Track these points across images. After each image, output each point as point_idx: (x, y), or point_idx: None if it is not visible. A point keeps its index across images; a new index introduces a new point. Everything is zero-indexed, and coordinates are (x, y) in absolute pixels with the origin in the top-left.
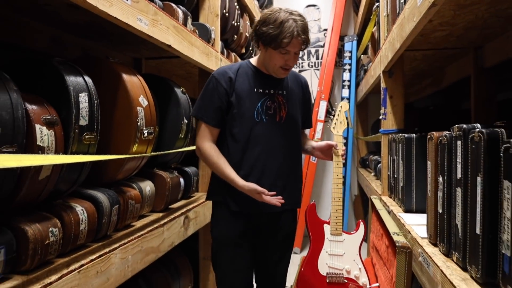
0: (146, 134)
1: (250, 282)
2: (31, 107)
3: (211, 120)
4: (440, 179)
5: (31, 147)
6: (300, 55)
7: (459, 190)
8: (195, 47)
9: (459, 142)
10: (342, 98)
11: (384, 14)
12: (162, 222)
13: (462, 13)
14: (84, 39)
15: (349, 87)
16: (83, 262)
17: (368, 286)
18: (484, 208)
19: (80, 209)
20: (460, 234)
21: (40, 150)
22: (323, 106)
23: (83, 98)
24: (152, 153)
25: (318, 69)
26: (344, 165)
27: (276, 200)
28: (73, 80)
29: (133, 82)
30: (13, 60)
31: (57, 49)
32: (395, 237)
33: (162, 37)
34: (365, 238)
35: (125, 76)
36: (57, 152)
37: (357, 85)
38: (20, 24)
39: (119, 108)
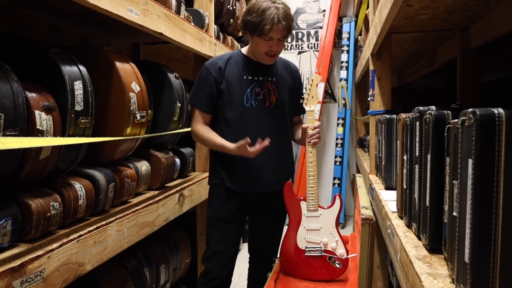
0: (138, 118)
1: (235, 258)
2: (31, 95)
3: (203, 107)
4: (405, 157)
5: (32, 131)
6: (300, 37)
7: (417, 167)
8: (188, 33)
9: (417, 123)
10: (341, 79)
11: None
12: (156, 199)
13: None
14: (83, 27)
15: (347, 68)
16: (81, 232)
17: (344, 256)
18: (432, 183)
19: (79, 186)
20: (417, 207)
21: (40, 133)
22: (321, 87)
23: (78, 85)
24: (145, 135)
25: (317, 50)
26: (342, 145)
27: (261, 144)
28: (68, 70)
29: (126, 69)
30: (13, 52)
31: (57, 38)
32: (362, 211)
33: (153, 26)
34: (341, 211)
35: (118, 64)
36: (55, 135)
37: (356, 65)
38: (21, 15)
39: (113, 93)
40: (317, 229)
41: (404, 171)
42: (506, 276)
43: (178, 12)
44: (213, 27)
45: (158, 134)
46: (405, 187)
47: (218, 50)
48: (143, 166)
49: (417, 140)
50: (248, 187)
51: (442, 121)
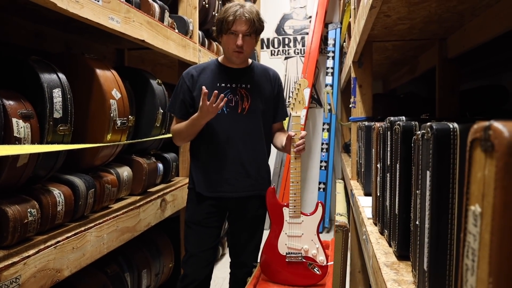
0: (119, 124)
1: (212, 262)
2: (8, 103)
3: (177, 113)
4: (379, 165)
5: (9, 138)
6: (287, 42)
7: (388, 175)
8: (171, 40)
9: (388, 133)
10: (326, 85)
11: (352, 7)
12: (138, 204)
13: (415, 9)
14: (67, 33)
15: (332, 74)
16: (59, 238)
17: (324, 263)
18: (400, 191)
19: (58, 192)
20: (388, 214)
21: (17, 141)
22: (306, 93)
23: (57, 93)
24: (126, 142)
25: (303, 56)
26: (327, 150)
27: (221, 101)
28: (47, 77)
29: (107, 76)
30: None
31: (41, 44)
32: (337, 217)
33: (135, 33)
34: (323, 218)
35: (98, 71)
36: (33, 142)
37: (341, 71)
38: (4, 21)
39: (93, 100)
40: (298, 235)
41: (378, 179)
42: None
43: (161, 19)
44: (197, 34)
45: (139, 140)
46: (378, 194)
47: (203, 56)
48: (125, 171)
49: (388, 149)
50: (217, 192)
51: (410, 132)
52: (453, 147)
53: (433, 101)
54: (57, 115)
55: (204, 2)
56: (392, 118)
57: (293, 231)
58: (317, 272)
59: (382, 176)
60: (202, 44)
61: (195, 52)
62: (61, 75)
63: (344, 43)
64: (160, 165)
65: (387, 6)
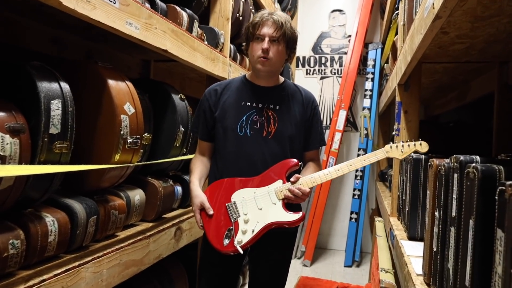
0: (130, 143)
1: None
2: None
3: (200, 134)
4: (437, 213)
5: None
6: (323, 61)
7: (452, 230)
8: (198, 52)
9: (455, 176)
10: (363, 108)
11: (401, 23)
12: (148, 234)
13: (481, 26)
14: (89, 41)
15: (370, 96)
16: (45, 277)
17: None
18: (475, 258)
19: (50, 220)
20: (451, 281)
21: (1, 159)
22: (342, 115)
23: (56, 105)
24: (137, 163)
25: (340, 77)
26: (362, 178)
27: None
28: (45, 86)
29: (120, 88)
30: None
31: (61, 51)
32: (381, 275)
33: (156, 42)
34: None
35: (110, 82)
36: (21, 161)
37: (380, 94)
38: (21, 25)
39: (102, 114)
40: None
41: (435, 229)
42: None
43: (190, 29)
44: (228, 47)
45: (153, 162)
46: (435, 249)
47: (233, 71)
48: (137, 195)
49: (454, 197)
50: None
51: (491, 180)
52: None
53: (485, 132)
54: (54, 130)
55: (238, 14)
56: (462, 157)
57: None
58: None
59: (443, 229)
60: (234, 59)
61: (225, 67)
62: (64, 85)
63: (386, 64)
64: (179, 188)
65: (446, 21)
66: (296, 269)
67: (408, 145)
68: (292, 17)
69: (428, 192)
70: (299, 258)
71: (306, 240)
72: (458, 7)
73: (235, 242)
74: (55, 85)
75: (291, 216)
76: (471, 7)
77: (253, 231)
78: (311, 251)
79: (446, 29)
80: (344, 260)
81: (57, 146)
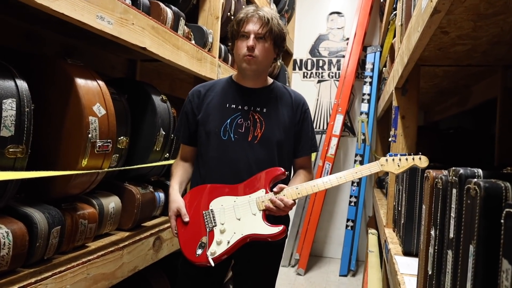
0: (100, 147)
1: None
2: None
3: (182, 138)
4: (432, 232)
5: None
6: (321, 64)
7: (450, 253)
8: (182, 51)
9: (454, 191)
10: (361, 113)
11: (399, 23)
12: (121, 244)
13: (484, 25)
14: (69, 38)
15: (368, 101)
16: None
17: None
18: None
19: (4, 232)
20: None
21: None
22: (339, 120)
23: (9, 105)
24: (107, 169)
25: (338, 80)
26: (359, 184)
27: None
28: None
29: (89, 87)
30: None
31: (39, 48)
32: None
33: (133, 39)
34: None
35: (78, 81)
36: None
37: (378, 99)
38: None
39: (69, 116)
40: None
41: (431, 250)
42: None
43: (175, 27)
44: (217, 47)
45: (125, 168)
46: (430, 272)
47: (223, 72)
48: (111, 202)
49: (452, 215)
50: None
51: (496, 199)
52: None
53: (486, 139)
54: (6, 133)
55: (229, 13)
56: (461, 170)
57: None
58: None
59: (439, 251)
60: (224, 59)
61: (213, 68)
62: (21, 82)
63: (384, 68)
64: (161, 195)
65: (446, 19)
66: (290, 278)
67: (406, 159)
68: (289, 19)
69: (423, 206)
70: (292, 267)
71: (300, 247)
72: (459, 3)
73: (208, 253)
74: (9, 83)
75: (270, 229)
76: (473, 3)
77: (228, 242)
78: (305, 259)
79: (446, 28)
80: (340, 269)
81: (10, 150)
